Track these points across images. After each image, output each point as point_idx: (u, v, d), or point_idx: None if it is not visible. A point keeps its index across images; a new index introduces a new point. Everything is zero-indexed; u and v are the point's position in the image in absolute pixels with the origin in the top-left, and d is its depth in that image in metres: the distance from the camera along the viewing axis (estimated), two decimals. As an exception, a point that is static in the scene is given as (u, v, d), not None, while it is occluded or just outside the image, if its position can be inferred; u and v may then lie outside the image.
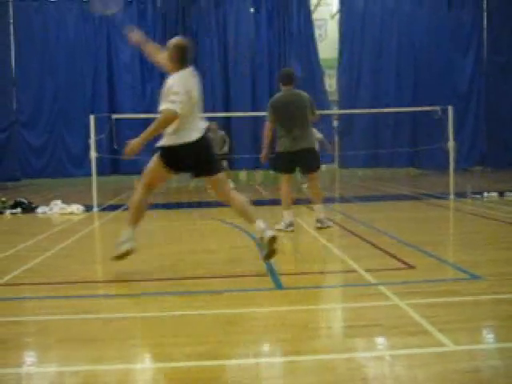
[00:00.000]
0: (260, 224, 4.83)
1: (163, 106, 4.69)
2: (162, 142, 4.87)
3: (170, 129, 4.78)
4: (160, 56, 5.45)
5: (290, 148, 6.96)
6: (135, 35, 5.58)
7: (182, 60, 4.93)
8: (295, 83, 7.16)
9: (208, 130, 5.07)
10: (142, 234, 7.57)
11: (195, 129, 4.84)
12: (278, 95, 7.18)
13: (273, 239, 4.77)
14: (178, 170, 5.00)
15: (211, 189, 5.27)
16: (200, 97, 4.99)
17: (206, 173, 4.99)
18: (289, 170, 7.25)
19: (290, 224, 7.12)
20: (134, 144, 4.82)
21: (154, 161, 4.99)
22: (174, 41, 5.11)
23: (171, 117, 4.64)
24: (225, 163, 13.52)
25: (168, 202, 12.15)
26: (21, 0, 17.15)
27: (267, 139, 7.09)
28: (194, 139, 4.78)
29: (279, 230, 7.05)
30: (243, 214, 4.99)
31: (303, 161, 7.10)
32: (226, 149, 13.97)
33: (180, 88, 4.69)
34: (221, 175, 5.01)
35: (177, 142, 4.79)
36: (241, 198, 5.00)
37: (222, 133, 14.12)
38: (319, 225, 7.19)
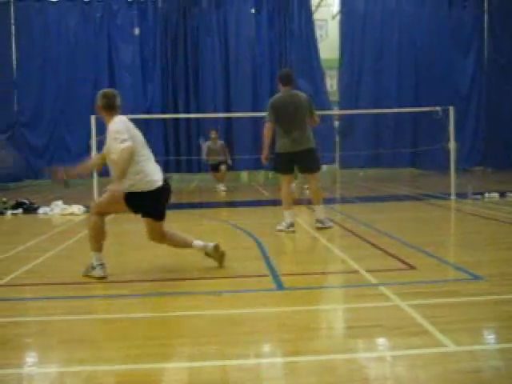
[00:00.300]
0: (197, 243, 5.22)
1: (118, 148, 4.68)
2: (128, 188, 4.82)
3: (131, 174, 4.79)
4: (98, 157, 5.97)
5: (289, 149, 6.97)
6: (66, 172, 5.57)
7: (113, 107, 5.23)
8: (294, 84, 7.18)
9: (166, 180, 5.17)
10: (143, 235, 7.57)
11: (156, 175, 5.03)
12: (277, 96, 7.20)
13: (216, 247, 5.19)
14: (136, 211, 5.08)
15: (148, 229, 5.25)
16: (143, 142, 5.20)
17: (157, 218, 5.15)
18: (289, 170, 7.25)
19: (291, 224, 7.13)
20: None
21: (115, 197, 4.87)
22: (101, 92, 5.37)
23: (129, 153, 4.68)
24: (223, 167, 13.79)
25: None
26: (22, 1, 17.16)
27: (267, 139, 7.09)
28: (156, 187, 4.92)
29: (280, 231, 7.06)
30: (183, 245, 5.30)
31: (303, 161, 7.11)
32: (223, 157, 13.99)
33: (121, 127, 4.87)
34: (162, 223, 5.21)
35: (142, 188, 4.88)
36: (175, 233, 5.33)
37: (222, 142, 14.23)
38: (320, 225, 7.19)
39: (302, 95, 7.16)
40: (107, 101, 5.23)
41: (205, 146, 14.16)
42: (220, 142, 14.17)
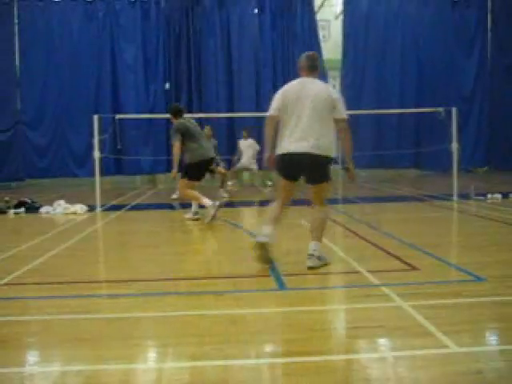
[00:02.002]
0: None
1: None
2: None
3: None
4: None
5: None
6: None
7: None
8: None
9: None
10: (145, 234, 7.59)
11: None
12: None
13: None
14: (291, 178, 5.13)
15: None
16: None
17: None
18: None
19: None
20: None
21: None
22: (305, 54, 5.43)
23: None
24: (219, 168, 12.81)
25: (172, 203, 12.15)
26: (25, 0, 17.19)
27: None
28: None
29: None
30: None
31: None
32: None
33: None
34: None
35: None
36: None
37: (215, 141, 13.41)
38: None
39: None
40: (311, 63, 5.27)
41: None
42: (214, 142, 13.26)
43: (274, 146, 5.16)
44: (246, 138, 14.57)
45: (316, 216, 5.28)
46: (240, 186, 14.95)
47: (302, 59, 5.38)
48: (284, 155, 5.06)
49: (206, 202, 7.99)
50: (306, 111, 5.00)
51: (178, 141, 8.17)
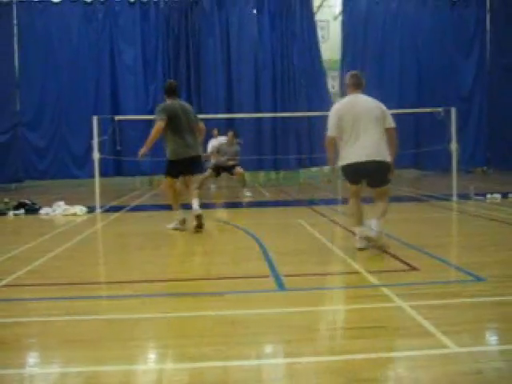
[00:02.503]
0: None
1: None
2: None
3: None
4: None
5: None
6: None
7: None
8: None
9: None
10: (145, 235, 7.59)
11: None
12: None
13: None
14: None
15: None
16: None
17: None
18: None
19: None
20: None
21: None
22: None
23: None
24: (238, 168, 12.73)
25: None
26: (25, 2, 17.19)
27: None
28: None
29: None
30: None
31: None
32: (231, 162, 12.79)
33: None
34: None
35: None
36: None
37: (238, 146, 13.07)
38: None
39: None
40: (357, 80, 5.86)
41: (216, 145, 13.07)
42: (236, 147, 12.99)
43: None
44: (216, 136, 14.13)
45: (383, 204, 5.91)
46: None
47: (349, 77, 5.97)
48: (350, 165, 5.71)
49: (179, 212, 7.72)
50: (365, 124, 5.61)
51: (161, 121, 7.24)
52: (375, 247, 5.72)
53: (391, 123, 5.77)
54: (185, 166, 7.60)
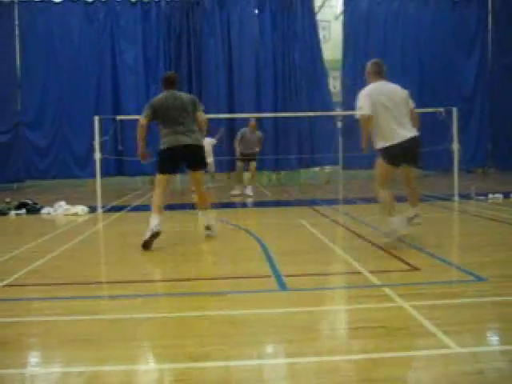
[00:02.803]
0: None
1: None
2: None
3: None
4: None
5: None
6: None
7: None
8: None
9: None
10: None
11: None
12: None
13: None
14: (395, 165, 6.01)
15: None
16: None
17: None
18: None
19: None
20: None
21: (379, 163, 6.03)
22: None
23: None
24: (253, 164, 12.98)
25: (172, 204, 12.15)
26: (26, 1, 17.21)
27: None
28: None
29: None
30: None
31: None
32: (257, 150, 13.23)
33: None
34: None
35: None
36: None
37: (260, 134, 13.37)
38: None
39: None
40: (380, 68, 6.27)
41: (238, 133, 13.16)
42: (258, 133, 13.27)
43: None
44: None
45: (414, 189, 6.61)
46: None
47: (371, 65, 6.38)
48: (393, 146, 5.92)
49: (153, 220, 6.24)
50: (397, 106, 6.02)
51: (143, 118, 6.83)
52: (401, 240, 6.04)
53: (413, 104, 6.46)
54: (179, 158, 6.68)
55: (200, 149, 6.78)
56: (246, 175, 13.23)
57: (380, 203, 6.11)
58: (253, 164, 12.96)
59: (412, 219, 6.54)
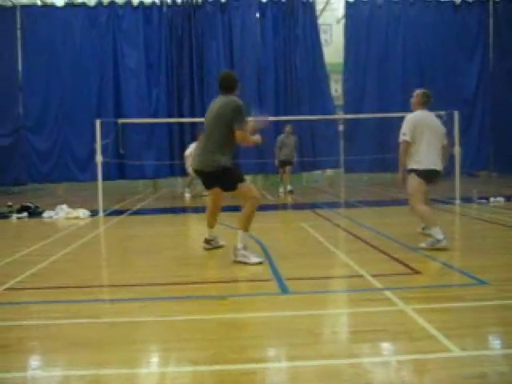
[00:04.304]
0: None
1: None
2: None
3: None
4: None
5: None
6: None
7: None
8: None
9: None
10: (147, 239, 7.59)
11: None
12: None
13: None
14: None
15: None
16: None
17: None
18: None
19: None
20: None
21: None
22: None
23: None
24: (288, 168, 13.93)
25: (174, 207, 12.16)
26: (28, 6, 17.26)
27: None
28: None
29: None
30: None
31: None
32: (294, 154, 14.28)
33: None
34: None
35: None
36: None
37: (295, 137, 14.36)
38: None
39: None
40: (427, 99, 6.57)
41: (277, 140, 14.17)
42: (294, 138, 14.25)
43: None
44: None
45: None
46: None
47: (421, 95, 6.60)
48: (427, 170, 6.42)
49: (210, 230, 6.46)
50: (433, 137, 6.44)
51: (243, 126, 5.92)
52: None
53: (445, 140, 6.73)
54: (204, 180, 5.99)
55: (213, 173, 5.71)
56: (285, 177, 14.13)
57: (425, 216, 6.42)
58: (288, 168, 13.96)
59: (424, 229, 6.80)
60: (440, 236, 6.08)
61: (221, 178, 5.70)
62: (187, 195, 13.62)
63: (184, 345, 3.29)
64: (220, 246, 6.48)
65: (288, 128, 14.00)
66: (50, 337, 3.53)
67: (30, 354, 3.29)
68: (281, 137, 14.13)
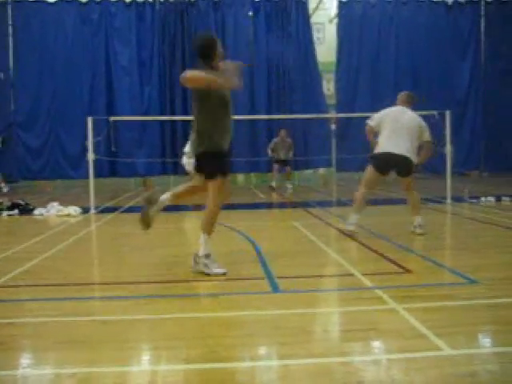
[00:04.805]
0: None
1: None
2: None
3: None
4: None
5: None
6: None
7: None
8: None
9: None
10: (139, 236, 7.57)
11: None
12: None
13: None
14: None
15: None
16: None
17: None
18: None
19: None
20: None
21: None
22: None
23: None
24: (288, 167, 14.85)
25: (168, 205, 12.13)
26: (19, 1, 17.15)
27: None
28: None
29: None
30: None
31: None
32: (291, 155, 15.09)
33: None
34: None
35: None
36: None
37: (290, 140, 15.11)
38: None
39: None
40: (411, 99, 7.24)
41: (271, 143, 15.07)
42: (288, 141, 14.98)
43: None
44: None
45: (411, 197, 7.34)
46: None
47: (406, 95, 7.31)
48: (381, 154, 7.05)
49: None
50: (401, 130, 6.94)
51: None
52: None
53: (428, 137, 7.12)
54: None
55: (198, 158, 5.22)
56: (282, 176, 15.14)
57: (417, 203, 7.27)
58: (288, 168, 14.92)
59: (415, 228, 7.10)
60: (351, 225, 6.92)
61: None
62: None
63: (175, 343, 3.29)
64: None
65: (282, 132, 14.75)
66: (42, 334, 3.52)
67: (21, 351, 3.28)
68: (275, 140, 14.96)
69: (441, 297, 4.15)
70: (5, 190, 15.26)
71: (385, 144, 6.95)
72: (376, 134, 7.15)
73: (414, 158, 6.97)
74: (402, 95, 7.34)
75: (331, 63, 18.36)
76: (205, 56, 5.18)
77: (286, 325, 3.59)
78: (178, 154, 17.09)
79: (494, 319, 3.68)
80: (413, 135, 6.94)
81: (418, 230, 7.02)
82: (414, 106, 7.31)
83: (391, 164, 6.98)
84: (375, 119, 7.15)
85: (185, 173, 15.75)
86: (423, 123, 7.15)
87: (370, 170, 7.09)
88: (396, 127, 6.91)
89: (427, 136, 7.13)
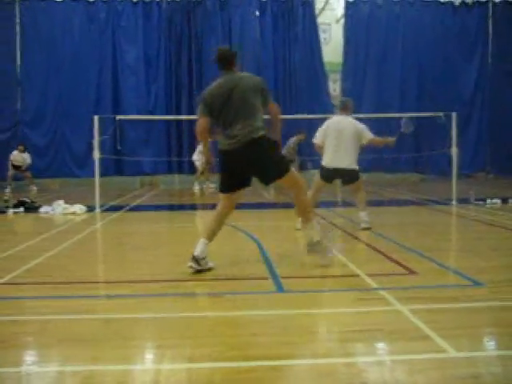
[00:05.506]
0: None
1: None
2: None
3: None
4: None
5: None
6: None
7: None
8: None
9: None
10: (144, 235, 7.59)
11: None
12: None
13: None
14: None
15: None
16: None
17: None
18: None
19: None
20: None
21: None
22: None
23: None
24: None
25: (171, 204, 12.16)
26: (27, 0, 17.21)
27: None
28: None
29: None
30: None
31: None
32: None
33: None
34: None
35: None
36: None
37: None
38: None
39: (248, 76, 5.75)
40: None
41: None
42: (291, 140, 15.26)
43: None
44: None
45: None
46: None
47: (348, 102, 7.70)
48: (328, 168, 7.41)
49: None
50: (344, 140, 7.32)
51: (201, 117, 5.54)
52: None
53: (369, 136, 7.47)
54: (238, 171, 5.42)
55: (269, 153, 5.36)
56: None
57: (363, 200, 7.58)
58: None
59: (360, 225, 7.51)
60: (365, 223, 7.40)
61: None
62: (196, 188, 14.73)
63: (179, 342, 3.28)
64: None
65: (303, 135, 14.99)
66: (45, 332, 3.53)
67: (25, 349, 3.29)
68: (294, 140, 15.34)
69: (445, 298, 4.14)
70: (34, 188, 15.23)
71: (330, 157, 7.31)
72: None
73: (356, 164, 7.44)
74: (338, 104, 7.90)
75: (337, 63, 18.34)
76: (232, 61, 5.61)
77: (290, 325, 3.59)
78: (183, 152, 17.15)
79: (498, 321, 3.66)
80: (354, 141, 7.32)
81: (363, 225, 7.39)
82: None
83: (337, 176, 7.54)
84: (319, 136, 7.47)
85: (193, 170, 15.88)
86: (359, 126, 7.44)
87: (317, 178, 7.52)
88: (338, 137, 7.28)
89: (367, 135, 7.42)
